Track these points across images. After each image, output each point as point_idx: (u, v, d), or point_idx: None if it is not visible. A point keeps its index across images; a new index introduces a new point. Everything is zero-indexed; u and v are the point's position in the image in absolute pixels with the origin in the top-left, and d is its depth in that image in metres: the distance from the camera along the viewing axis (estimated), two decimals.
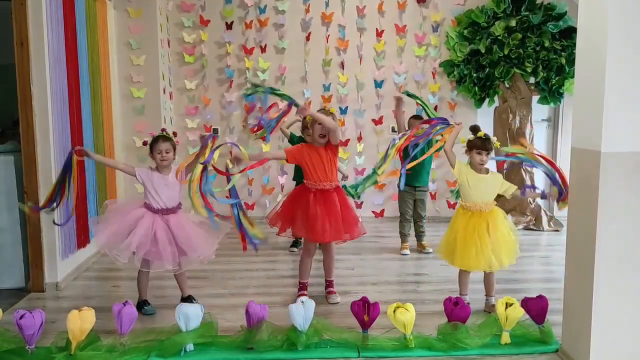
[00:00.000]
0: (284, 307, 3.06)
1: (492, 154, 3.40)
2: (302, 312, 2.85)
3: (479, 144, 3.32)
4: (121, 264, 3.26)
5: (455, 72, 5.94)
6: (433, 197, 5.96)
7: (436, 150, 3.73)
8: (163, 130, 3.44)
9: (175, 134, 3.47)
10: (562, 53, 5.51)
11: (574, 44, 3.12)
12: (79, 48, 4.21)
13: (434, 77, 6.09)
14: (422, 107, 4.28)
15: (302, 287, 3.69)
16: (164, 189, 3.34)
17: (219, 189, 3.05)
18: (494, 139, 3.37)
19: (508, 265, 3.38)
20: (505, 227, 3.38)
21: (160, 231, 3.27)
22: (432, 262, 4.58)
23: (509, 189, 3.40)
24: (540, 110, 6.14)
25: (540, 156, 3.37)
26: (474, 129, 3.38)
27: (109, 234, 3.29)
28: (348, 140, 6.09)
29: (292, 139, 4.63)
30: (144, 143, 3.44)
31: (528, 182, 5.85)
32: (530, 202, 5.85)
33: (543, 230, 5.72)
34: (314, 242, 3.60)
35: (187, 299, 3.51)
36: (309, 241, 3.63)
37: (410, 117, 4.77)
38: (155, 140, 3.35)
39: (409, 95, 4.31)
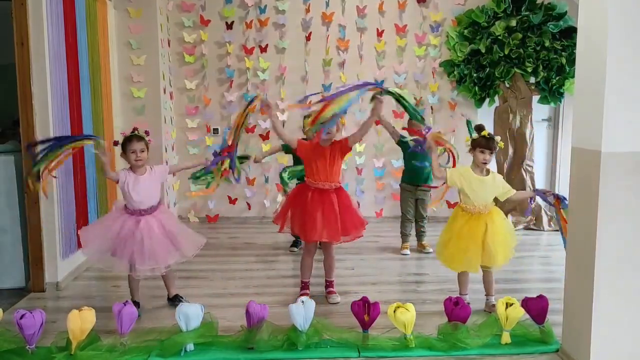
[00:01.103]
0: (284, 307, 3.06)
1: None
2: (302, 312, 2.85)
3: (482, 143, 3.32)
4: (96, 264, 3.30)
5: (455, 72, 5.93)
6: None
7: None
8: (135, 129, 3.35)
9: (147, 132, 3.38)
10: (563, 53, 5.51)
11: (574, 44, 3.11)
12: (79, 48, 4.21)
13: (433, 77, 6.08)
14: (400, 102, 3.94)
15: (304, 287, 3.70)
16: (140, 189, 3.29)
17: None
18: (497, 138, 3.37)
19: (501, 266, 3.39)
20: (504, 228, 3.38)
21: (127, 233, 3.23)
22: (432, 262, 4.58)
23: (507, 193, 3.39)
24: (540, 110, 6.14)
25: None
26: (479, 128, 3.38)
27: (89, 234, 3.34)
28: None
29: (285, 148, 4.62)
30: (115, 143, 3.32)
31: (528, 182, 5.86)
32: (530, 202, 5.84)
33: (543, 230, 5.72)
34: (307, 241, 3.60)
35: (174, 299, 3.51)
36: (303, 240, 3.64)
37: (410, 119, 4.76)
38: (129, 139, 3.27)
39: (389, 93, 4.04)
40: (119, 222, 3.27)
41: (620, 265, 2.55)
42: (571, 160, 2.77)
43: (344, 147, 3.52)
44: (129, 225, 3.25)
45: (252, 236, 5.42)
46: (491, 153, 3.32)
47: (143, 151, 3.28)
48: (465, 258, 3.33)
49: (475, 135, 3.37)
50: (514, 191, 3.42)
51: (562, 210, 3.25)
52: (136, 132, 3.32)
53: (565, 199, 3.20)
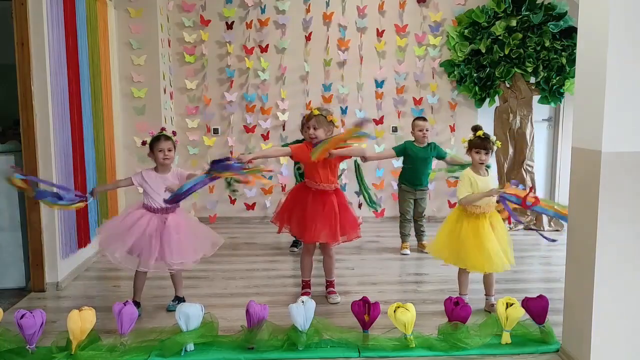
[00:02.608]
0: (284, 307, 3.06)
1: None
2: (303, 312, 2.85)
3: (477, 143, 3.33)
4: (119, 264, 3.29)
5: (455, 72, 5.94)
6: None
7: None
8: (163, 129, 3.44)
9: (174, 133, 3.47)
10: (563, 53, 5.51)
11: (575, 44, 3.12)
12: (79, 48, 4.21)
13: (433, 77, 6.08)
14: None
15: (305, 285, 3.71)
16: (162, 188, 3.31)
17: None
18: (493, 138, 3.37)
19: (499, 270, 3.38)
20: (504, 229, 3.38)
21: (154, 231, 3.25)
22: (432, 262, 4.57)
23: None
24: (540, 110, 6.14)
25: None
26: (475, 129, 3.40)
27: (108, 234, 3.33)
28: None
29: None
30: (143, 143, 3.41)
31: (529, 182, 5.86)
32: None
33: (543, 230, 5.72)
34: (306, 241, 3.61)
35: (178, 299, 3.50)
36: (303, 241, 3.64)
37: (415, 118, 4.79)
38: (157, 139, 3.34)
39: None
40: (143, 221, 3.29)
41: (620, 265, 2.55)
42: (571, 160, 2.77)
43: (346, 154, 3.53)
44: (155, 223, 3.28)
45: (252, 236, 5.42)
46: (487, 153, 3.33)
47: (170, 150, 3.34)
48: (491, 257, 3.27)
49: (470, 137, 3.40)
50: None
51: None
52: (164, 132, 3.39)
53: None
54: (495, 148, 3.37)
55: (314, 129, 3.44)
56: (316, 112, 3.50)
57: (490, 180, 3.36)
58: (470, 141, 3.38)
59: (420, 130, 4.64)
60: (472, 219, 3.33)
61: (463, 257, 3.35)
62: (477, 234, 3.29)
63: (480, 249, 3.27)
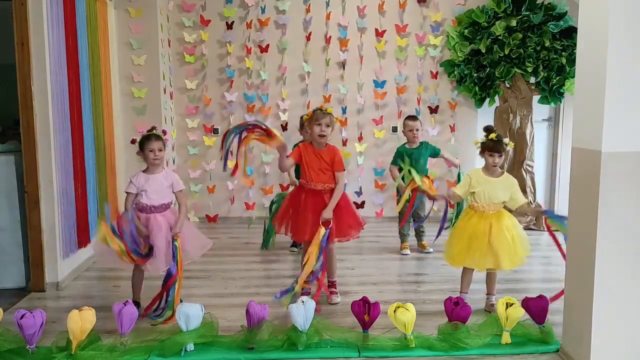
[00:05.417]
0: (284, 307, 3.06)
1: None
2: (303, 312, 2.85)
3: (491, 146, 3.31)
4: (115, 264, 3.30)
5: (455, 72, 5.94)
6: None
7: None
8: (153, 128, 3.38)
9: (164, 132, 3.42)
10: (563, 53, 5.51)
11: (575, 44, 3.12)
12: (79, 48, 4.21)
13: (434, 77, 6.08)
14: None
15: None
16: (152, 187, 3.30)
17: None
18: (506, 140, 3.36)
19: (508, 268, 3.37)
20: (512, 233, 3.32)
21: (142, 229, 3.26)
22: (432, 262, 4.58)
23: (517, 201, 3.34)
24: (540, 110, 6.14)
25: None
26: (487, 130, 3.38)
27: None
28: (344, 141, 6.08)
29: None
30: (132, 141, 3.36)
31: (529, 182, 5.86)
32: (530, 202, 5.85)
33: (543, 230, 5.71)
34: (299, 241, 3.60)
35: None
36: (295, 241, 3.64)
37: (405, 118, 4.78)
38: (147, 138, 3.28)
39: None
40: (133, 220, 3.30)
41: (620, 266, 2.55)
42: (571, 160, 2.77)
43: (338, 166, 3.52)
44: (140, 222, 3.27)
45: (252, 236, 5.42)
46: (500, 156, 3.31)
47: (161, 150, 3.31)
48: (466, 255, 3.33)
49: (482, 139, 3.39)
50: (526, 200, 3.38)
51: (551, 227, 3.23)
52: (154, 131, 3.34)
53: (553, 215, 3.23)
54: (508, 150, 3.36)
55: (327, 126, 3.47)
56: (330, 110, 3.55)
57: (500, 182, 3.34)
58: (483, 143, 3.37)
59: (410, 130, 4.63)
60: (472, 216, 3.36)
61: (458, 254, 3.37)
62: (474, 232, 3.30)
63: (475, 246, 3.29)
